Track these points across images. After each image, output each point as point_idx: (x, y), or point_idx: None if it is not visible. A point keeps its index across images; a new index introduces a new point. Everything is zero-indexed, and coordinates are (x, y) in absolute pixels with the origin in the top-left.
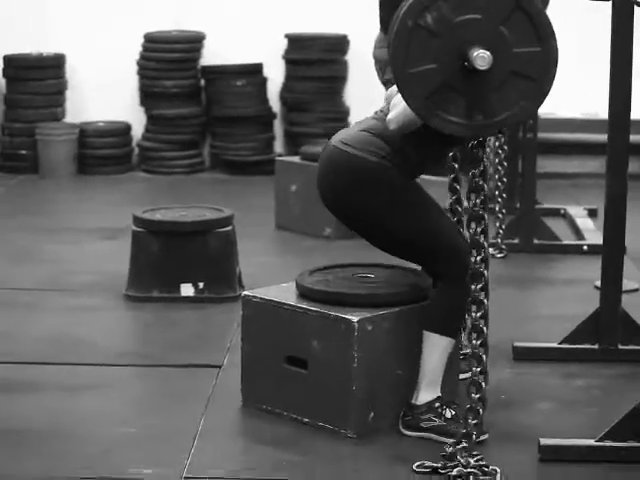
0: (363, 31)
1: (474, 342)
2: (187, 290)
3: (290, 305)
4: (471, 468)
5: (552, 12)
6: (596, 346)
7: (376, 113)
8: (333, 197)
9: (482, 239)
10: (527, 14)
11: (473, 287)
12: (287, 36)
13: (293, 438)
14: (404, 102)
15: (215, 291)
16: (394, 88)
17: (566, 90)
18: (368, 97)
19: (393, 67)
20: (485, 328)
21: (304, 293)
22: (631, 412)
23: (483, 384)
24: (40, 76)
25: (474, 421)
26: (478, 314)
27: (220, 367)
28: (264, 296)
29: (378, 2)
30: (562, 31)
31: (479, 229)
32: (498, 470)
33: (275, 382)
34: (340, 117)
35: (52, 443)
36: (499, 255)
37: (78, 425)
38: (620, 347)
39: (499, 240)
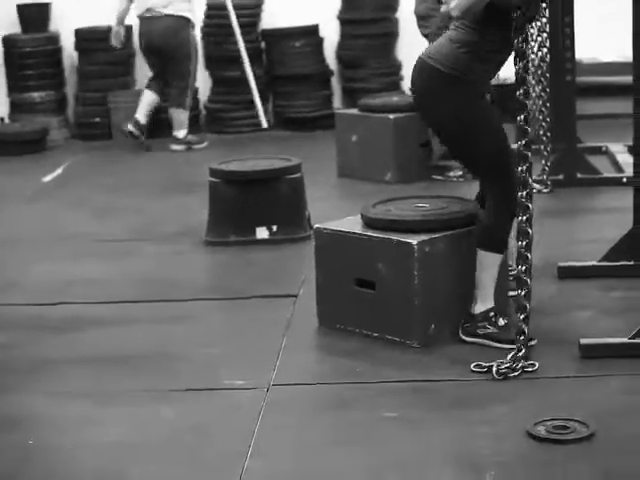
0: None
1: (520, 267)
2: (262, 233)
3: (357, 233)
4: (519, 368)
5: None
6: (631, 262)
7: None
8: (420, 99)
9: (528, 176)
10: None
11: (520, 219)
12: None
13: (364, 350)
14: None
15: (287, 232)
16: None
17: (608, 35)
18: (419, 52)
19: None
20: (529, 255)
21: (369, 222)
22: None
23: (527, 305)
24: (109, 47)
25: (521, 337)
26: (524, 243)
27: (296, 296)
28: (333, 227)
29: None
30: None
31: (524, 167)
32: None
33: (346, 303)
34: (393, 72)
35: (152, 364)
36: (545, 190)
37: (172, 348)
38: None
39: (545, 177)
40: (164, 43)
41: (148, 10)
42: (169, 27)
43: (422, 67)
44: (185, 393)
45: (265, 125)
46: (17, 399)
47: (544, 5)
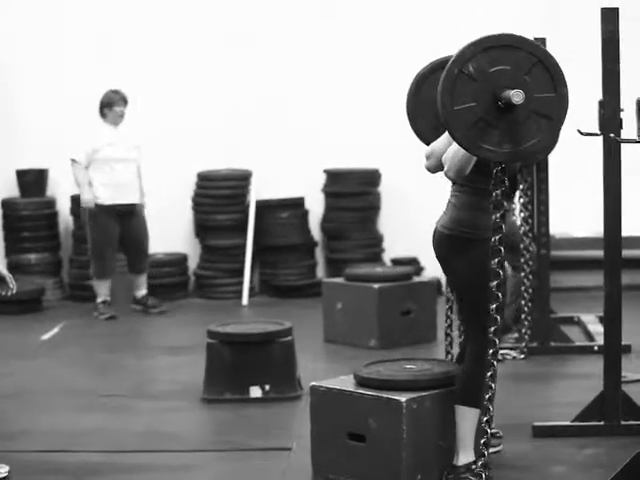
0: (393, 165)
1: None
2: (255, 392)
3: (350, 391)
4: None
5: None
6: (602, 423)
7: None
8: (444, 263)
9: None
10: (545, 67)
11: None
12: (326, 171)
13: None
14: (452, 152)
15: (279, 392)
16: (430, 146)
17: (580, 211)
18: (400, 224)
19: (441, 105)
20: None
21: (361, 381)
22: (624, 467)
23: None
24: None
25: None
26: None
27: (290, 449)
28: (328, 385)
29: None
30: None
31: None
32: None
33: (339, 454)
34: (375, 243)
35: None
36: (521, 357)
37: None
38: (622, 423)
39: (523, 344)
40: None
41: None
42: None
43: (440, 237)
44: None
45: (245, 303)
46: None
47: (520, 178)
